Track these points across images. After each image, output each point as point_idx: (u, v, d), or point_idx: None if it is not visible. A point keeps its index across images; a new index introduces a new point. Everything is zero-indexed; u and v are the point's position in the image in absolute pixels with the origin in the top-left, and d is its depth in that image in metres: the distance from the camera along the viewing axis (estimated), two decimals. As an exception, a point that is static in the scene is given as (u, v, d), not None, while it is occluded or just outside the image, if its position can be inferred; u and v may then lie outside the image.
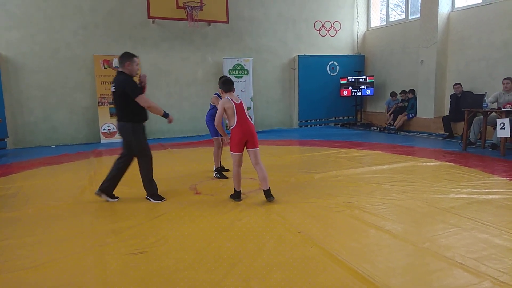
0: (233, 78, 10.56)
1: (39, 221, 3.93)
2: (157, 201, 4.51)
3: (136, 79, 4.44)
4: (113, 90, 4.30)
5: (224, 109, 4.33)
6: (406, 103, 10.62)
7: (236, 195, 4.52)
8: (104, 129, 9.66)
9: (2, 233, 3.61)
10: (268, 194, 4.37)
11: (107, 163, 7.28)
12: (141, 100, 4.26)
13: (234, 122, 4.32)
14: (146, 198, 4.60)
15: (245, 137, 4.34)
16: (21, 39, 8.94)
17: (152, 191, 4.58)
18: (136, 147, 4.43)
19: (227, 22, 10.50)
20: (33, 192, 5.07)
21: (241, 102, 4.43)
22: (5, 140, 8.89)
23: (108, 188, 4.55)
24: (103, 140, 9.68)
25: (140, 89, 4.34)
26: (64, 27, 9.29)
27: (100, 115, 9.60)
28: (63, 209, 4.31)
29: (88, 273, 2.79)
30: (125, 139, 4.43)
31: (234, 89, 4.54)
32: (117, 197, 4.65)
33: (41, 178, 5.86)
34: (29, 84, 9.11)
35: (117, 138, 9.71)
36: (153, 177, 4.61)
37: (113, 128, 9.72)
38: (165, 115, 4.49)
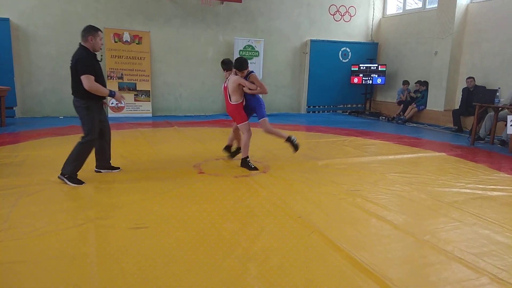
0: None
1: (44, 191, 3.98)
2: (73, 184, 4.15)
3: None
4: (70, 65, 4.13)
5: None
6: (419, 94, 10.49)
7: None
8: (112, 104, 9.66)
9: (8, 201, 3.66)
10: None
11: (113, 137, 7.32)
12: (84, 79, 4.01)
13: None
14: (59, 177, 4.21)
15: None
16: (34, 9, 8.88)
17: (71, 172, 4.19)
18: (87, 125, 4.20)
19: (240, 1, 10.33)
20: (39, 161, 5.12)
21: (226, 86, 5.08)
22: (14, 108, 8.94)
23: (104, 163, 4.62)
24: (111, 114, 9.69)
25: (89, 69, 4.07)
26: (76, -1, 9.22)
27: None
28: (68, 180, 4.35)
29: (90, 244, 2.83)
30: (79, 115, 4.21)
31: (229, 69, 5.14)
32: (119, 167, 4.77)
33: (48, 148, 5.91)
34: (39, 55, 9.10)
35: (125, 113, 9.75)
36: (84, 162, 4.28)
37: (122, 103, 9.72)
38: (111, 94, 4.29)
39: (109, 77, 9.58)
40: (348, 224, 3.34)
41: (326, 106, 12.26)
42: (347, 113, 12.27)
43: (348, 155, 6.08)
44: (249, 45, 10.73)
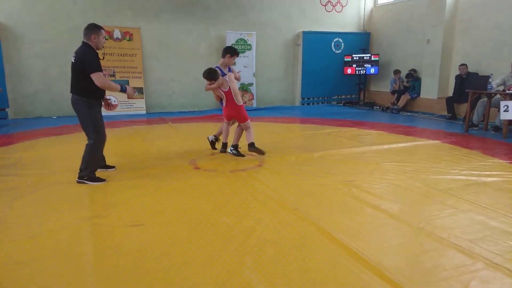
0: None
1: (38, 192, 3.96)
2: (95, 183, 4.17)
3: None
4: (72, 61, 4.03)
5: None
6: (410, 83, 10.50)
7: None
8: (105, 102, 9.59)
9: (2, 202, 3.63)
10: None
11: (107, 135, 7.29)
12: (95, 76, 3.95)
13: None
14: (78, 181, 4.16)
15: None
16: (21, 8, 8.78)
17: (90, 172, 4.19)
18: (90, 124, 4.14)
19: (230, -6, 10.28)
20: (33, 162, 5.08)
21: (228, 89, 5.06)
22: (6, 110, 8.87)
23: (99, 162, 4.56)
24: (103, 113, 9.57)
25: (98, 66, 4.02)
26: (64, -4, 9.12)
27: (101, 87, 9.53)
28: (62, 180, 4.31)
29: (85, 244, 2.82)
30: (80, 113, 4.12)
31: (216, 78, 5.01)
32: (114, 166, 4.76)
33: (41, 149, 5.87)
34: (29, 54, 9.01)
35: (119, 111, 9.70)
36: (97, 160, 4.34)
37: (114, 101, 9.65)
38: (123, 89, 4.25)
39: (101, 75, 9.50)
40: (343, 214, 3.35)
41: (320, 98, 12.24)
42: (342, 104, 12.28)
43: (343, 146, 6.09)
44: (241, 39, 10.67)
